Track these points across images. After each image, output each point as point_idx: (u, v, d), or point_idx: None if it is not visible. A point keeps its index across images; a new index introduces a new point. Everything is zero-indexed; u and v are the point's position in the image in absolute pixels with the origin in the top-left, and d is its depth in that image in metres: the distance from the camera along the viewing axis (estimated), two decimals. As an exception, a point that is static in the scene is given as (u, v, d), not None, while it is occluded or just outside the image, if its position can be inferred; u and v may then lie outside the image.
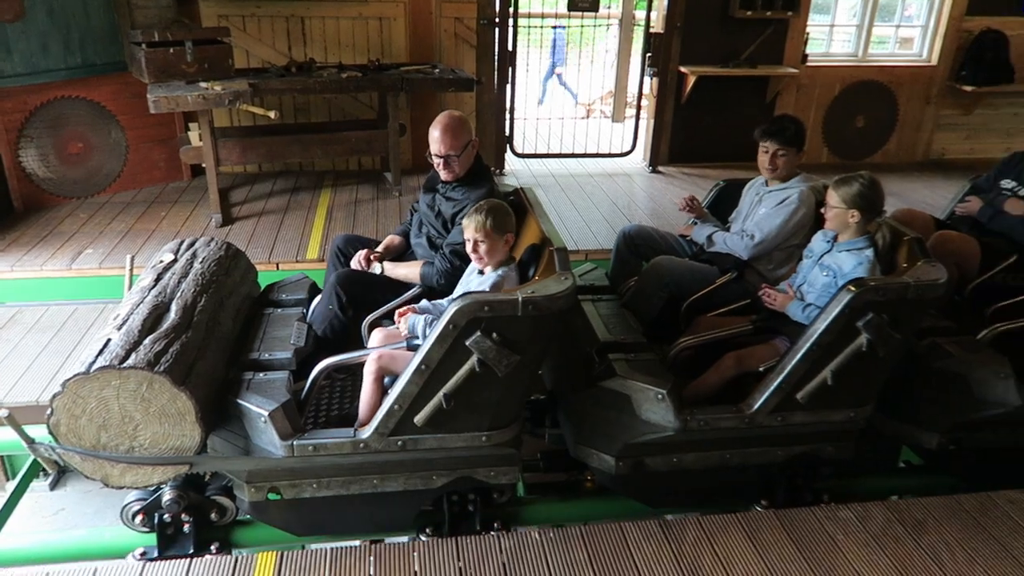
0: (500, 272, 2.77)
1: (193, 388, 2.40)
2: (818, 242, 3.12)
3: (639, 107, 7.46)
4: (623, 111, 9.28)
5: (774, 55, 7.16)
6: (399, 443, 2.65)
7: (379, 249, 3.44)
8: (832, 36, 7.67)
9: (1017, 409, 3.02)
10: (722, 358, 3.03)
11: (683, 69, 7.03)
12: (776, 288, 3.16)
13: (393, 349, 2.81)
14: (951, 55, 7.55)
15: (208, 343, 2.66)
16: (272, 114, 5.42)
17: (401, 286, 3.25)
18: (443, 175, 3.23)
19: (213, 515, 2.88)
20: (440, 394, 2.56)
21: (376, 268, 3.34)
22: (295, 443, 2.59)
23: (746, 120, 7.28)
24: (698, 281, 3.38)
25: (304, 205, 6.01)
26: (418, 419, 2.61)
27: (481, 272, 2.85)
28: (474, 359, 2.49)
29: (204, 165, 5.57)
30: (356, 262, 3.37)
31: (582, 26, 8.32)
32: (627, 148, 7.53)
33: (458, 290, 2.91)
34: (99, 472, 2.48)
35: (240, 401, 2.59)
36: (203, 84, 5.25)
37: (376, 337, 2.98)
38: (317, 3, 6.35)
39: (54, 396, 2.33)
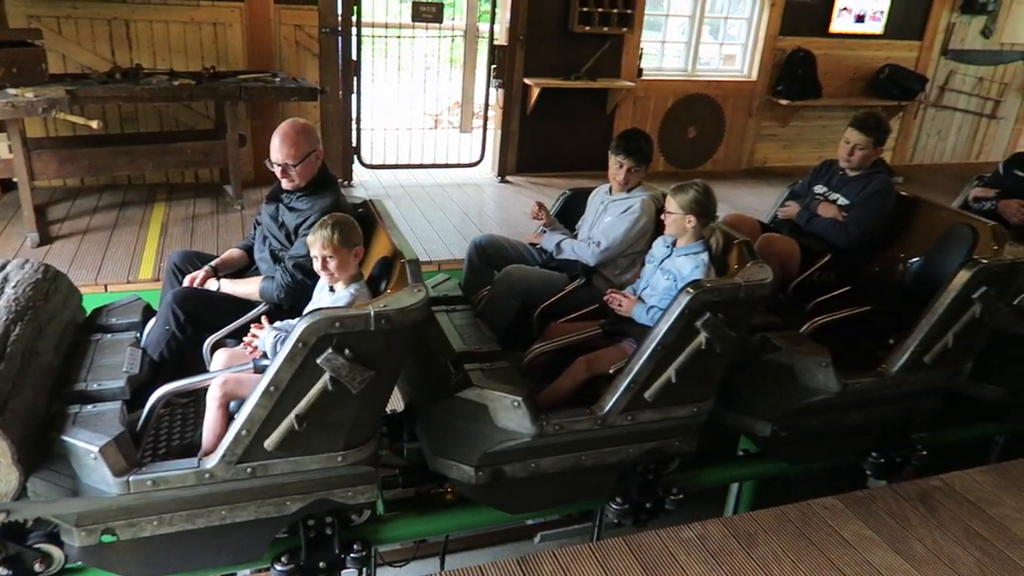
0: (352, 290, 2.69)
1: (8, 427, 2.16)
2: (659, 247, 3.28)
3: (486, 118, 7.56)
4: (470, 122, 9.37)
5: (612, 69, 7.52)
6: (248, 470, 2.52)
7: (214, 264, 3.25)
8: (664, 52, 8.18)
9: (836, 395, 3.31)
10: (573, 363, 3.11)
11: (527, 81, 7.23)
12: (621, 292, 3.28)
13: (239, 372, 2.68)
14: (768, 71, 8.23)
15: (25, 376, 2.40)
16: (94, 123, 5.04)
17: (247, 304, 3.10)
18: (283, 184, 3.12)
19: (37, 566, 2.61)
20: (292, 416, 2.46)
21: (212, 285, 3.16)
22: (131, 479, 2.40)
23: (589, 130, 7.64)
24: (549, 288, 3.46)
25: (135, 221, 5.61)
26: (268, 443, 2.49)
27: (332, 289, 2.76)
28: (326, 377, 2.41)
29: (16, 179, 5.07)
30: (190, 280, 3.17)
31: (427, 37, 8.33)
32: (475, 159, 7.61)
33: (309, 308, 2.80)
34: None
35: (65, 438, 2.36)
36: (11, 91, 4.79)
37: (220, 359, 2.82)
38: (143, 6, 5.96)
39: None
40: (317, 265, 2.70)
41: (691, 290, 2.84)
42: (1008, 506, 3.48)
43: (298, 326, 2.37)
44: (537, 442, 2.90)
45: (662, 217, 3.26)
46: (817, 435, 3.52)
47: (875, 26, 8.49)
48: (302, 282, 3.00)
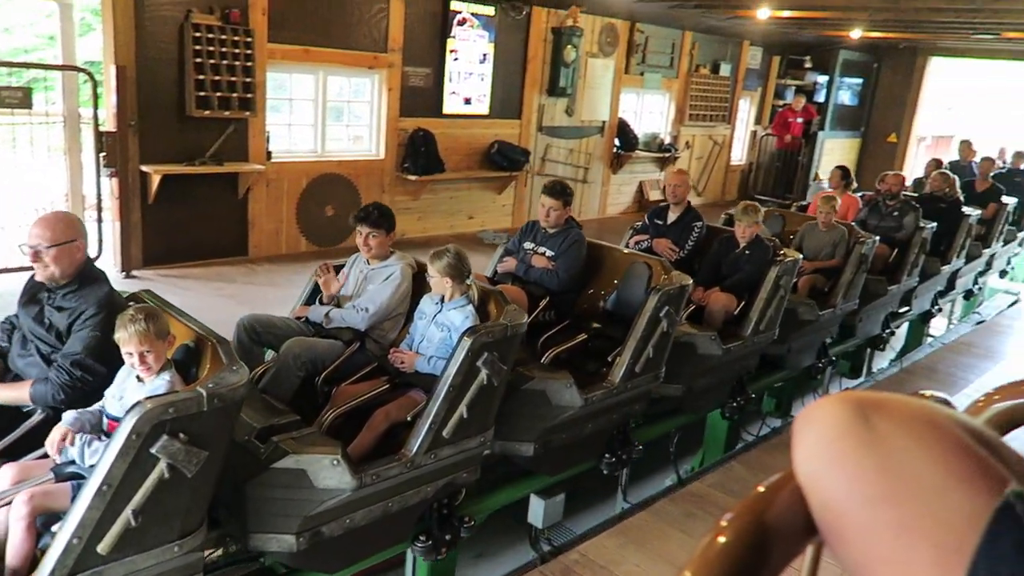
0: (167, 377, 2.67)
1: None
2: (428, 305, 3.72)
3: (100, 210, 6.76)
4: (82, 215, 8.38)
5: (240, 152, 7.35)
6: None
7: None
8: (293, 134, 8.18)
9: (580, 408, 4.01)
10: (372, 416, 3.38)
11: (145, 168, 6.78)
12: (400, 350, 3.64)
13: (41, 484, 2.49)
14: (394, 150, 8.59)
15: None
16: None
17: (15, 414, 2.83)
18: (38, 275, 2.93)
19: None
20: (128, 511, 2.39)
21: None
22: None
23: (223, 216, 7.41)
24: (330, 355, 3.68)
25: None
26: (102, 547, 2.38)
27: (139, 379, 2.70)
28: (162, 465, 2.41)
29: None
30: None
31: (18, 124, 7.27)
32: (93, 254, 6.66)
33: (115, 402, 2.69)
34: None
35: None
36: None
37: (7, 475, 2.58)
38: None
39: None
40: (133, 361, 2.63)
41: (469, 336, 3.31)
42: (631, 563, 3.93)
43: (127, 420, 2.34)
44: (355, 495, 3.11)
45: (428, 277, 3.70)
46: (567, 447, 4.20)
47: (481, 107, 9.29)
48: (81, 378, 2.85)
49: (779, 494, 0.49)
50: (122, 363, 2.71)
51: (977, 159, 10.29)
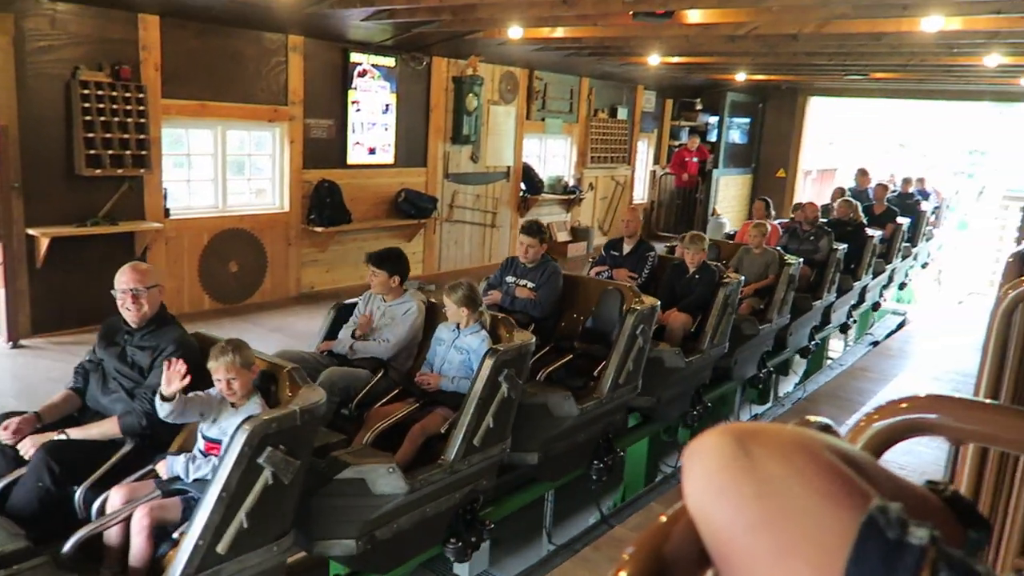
0: (257, 400, 3.09)
1: None
2: (445, 332, 4.23)
3: None
4: None
5: (135, 211, 7.10)
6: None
7: (39, 411, 3.27)
8: (192, 190, 7.91)
9: (576, 418, 4.56)
10: (411, 431, 3.84)
11: (32, 231, 6.47)
12: (425, 374, 4.15)
13: (152, 500, 2.87)
14: (299, 202, 8.51)
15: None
16: None
17: (110, 446, 3.17)
18: (131, 314, 3.30)
19: None
20: (241, 514, 2.79)
21: (60, 438, 3.12)
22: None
23: None
24: (361, 382, 4.13)
25: None
26: (221, 547, 2.77)
27: (233, 405, 3.08)
28: (267, 472, 2.82)
29: None
30: (11, 431, 3.12)
31: None
32: None
33: (210, 425, 3.08)
34: None
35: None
36: None
37: (119, 495, 2.93)
38: None
39: None
40: (221, 387, 3.02)
41: (491, 357, 3.82)
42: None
43: (239, 436, 2.76)
44: (405, 500, 3.56)
45: (443, 308, 4.22)
46: (566, 454, 4.74)
47: (387, 156, 9.37)
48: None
49: (675, 527, 0.50)
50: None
51: (872, 185, 11.60)
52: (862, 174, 12.29)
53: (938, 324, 10.40)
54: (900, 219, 10.63)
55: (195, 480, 2.94)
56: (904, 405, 0.78)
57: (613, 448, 5.20)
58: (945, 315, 11.83)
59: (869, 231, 9.26)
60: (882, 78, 11.98)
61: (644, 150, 14.20)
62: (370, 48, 8.84)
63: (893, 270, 10.81)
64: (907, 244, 11.37)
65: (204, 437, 3.06)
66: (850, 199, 9.61)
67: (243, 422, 2.82)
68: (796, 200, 14.64)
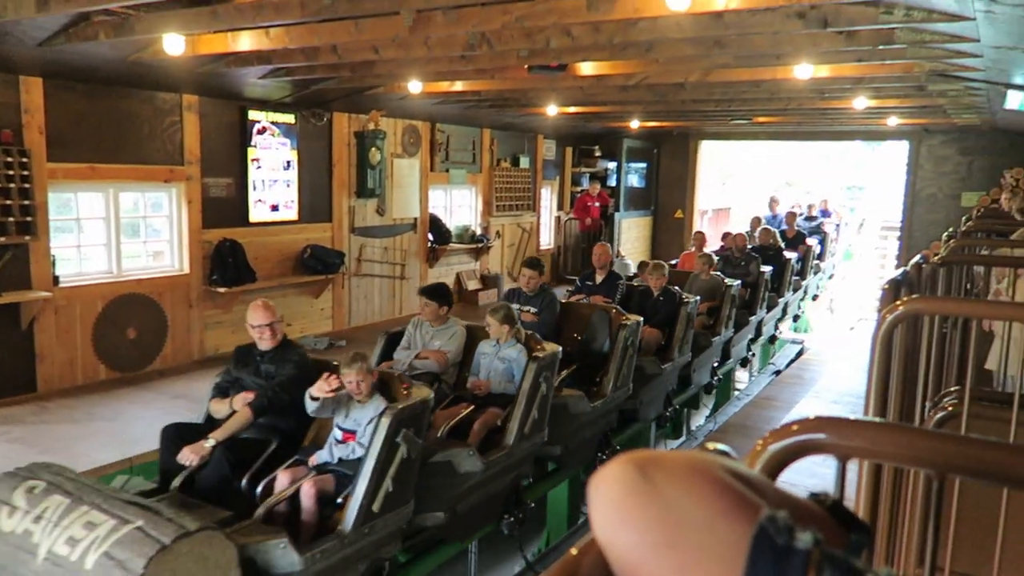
0: (378, 397, 3.95)
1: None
2: (487, 347, 5.17)
3: None
4: None
5: (21, 280, 6.68)
6: (366, 531, 3.64)
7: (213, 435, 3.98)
8: (84, 255, 7.47)
9: (589, 413, 5.69)
10: (473, 427, 4.69)
11: None
12: (477, 380, 5.02)
13: (312, 477, 3.77)
14: (200, 263, 8.13)
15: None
16: None
17: (265, 442, 4.01)
18: (265, 342, 4.19)
19: None
20: (388, 479, 3.68)
21: (209, 444, 3.87)
22: (308, 555, 3.36)
23: (4, 350, 6.58)
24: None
25: None
26: (375, 505, 3.65)
27: (359, 401, 3.93)
28: (403, 448, 3.73)
29: None
30: (194, 452, 3.84)
31: None
32: None
33: (344, 418, 3.95)
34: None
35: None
36: None
37: (287, 476, 3.79)
38: None
39: None
40: (351, 387, 3.86)
41: (534, 363, 4.86)
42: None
43: (384, 420, 3.70)
44: (480, 477, 4.46)
45: (486, 327, 5.13)
46: (583, 443, 5.81)
47: (290, 213, 9.09)
48: (276, 396, 4.07)
49: (585, 559, 0.52)
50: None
51: (781, 212, 13.30)
52: (773, 202, 13.78)
53: (833, 350, 10.93)
54: (809, 240, 12.57)
55: (339, 460, 3.85)
56: (795, 427, 0.83)
57: (611, 445, 6.11)
58: (839, 341, 12.54)
59: (787, 253, 10.86)
60: (765, 122, 12.67)
61: (548, 197, 14.39)
62: (268, 105, 8.68)
63: (807, 285, 12.27)
64: (816, 261, 12.87)
65: (340, 428, 3.94)
66: (769, 227, 11.18)
67: (385, 409, 3.75)
68: (691, 238, 15.53)
